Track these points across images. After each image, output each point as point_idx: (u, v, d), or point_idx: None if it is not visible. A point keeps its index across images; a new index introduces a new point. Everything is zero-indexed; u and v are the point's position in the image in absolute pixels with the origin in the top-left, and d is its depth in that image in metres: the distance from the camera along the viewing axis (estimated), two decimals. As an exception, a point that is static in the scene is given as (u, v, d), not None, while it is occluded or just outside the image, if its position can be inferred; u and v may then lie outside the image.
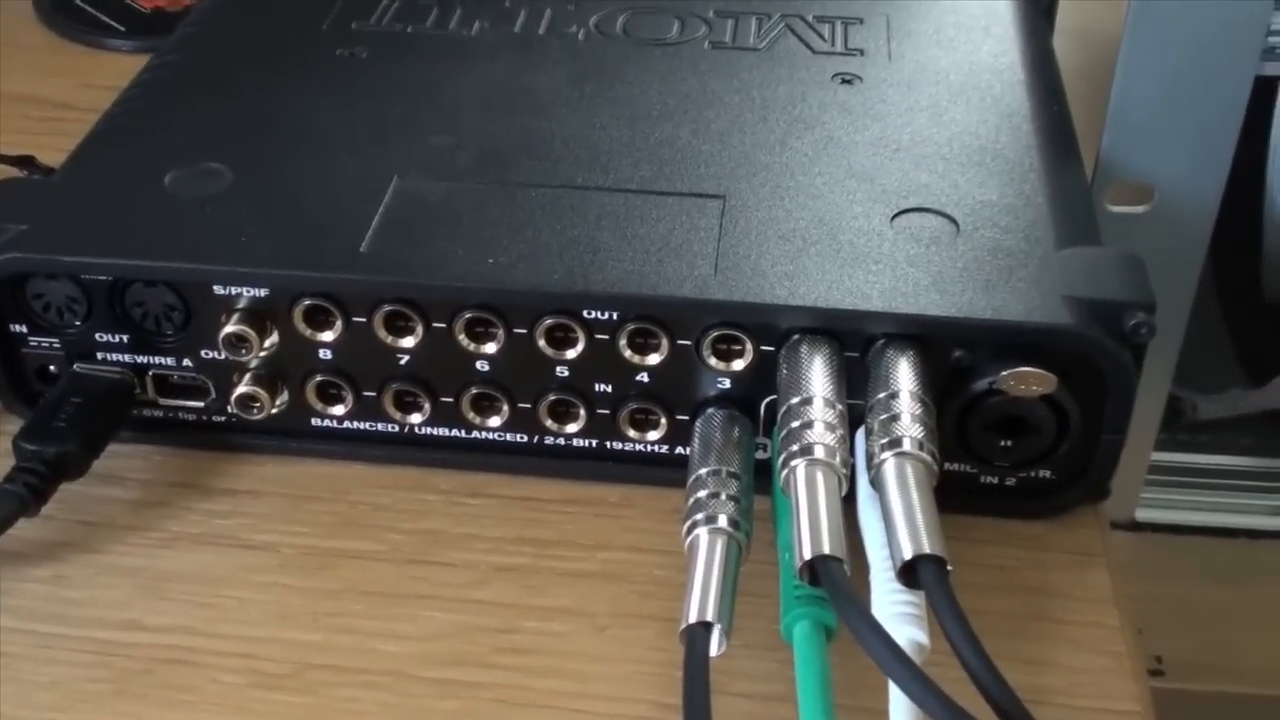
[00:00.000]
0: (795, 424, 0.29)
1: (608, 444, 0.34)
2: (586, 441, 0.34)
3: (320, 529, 0.33)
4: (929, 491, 0.28)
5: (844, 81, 0.39)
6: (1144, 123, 0.38)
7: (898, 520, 0.27)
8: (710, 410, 0.32)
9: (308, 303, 0.32)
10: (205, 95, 0.39)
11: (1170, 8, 0.35)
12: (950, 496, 0.30)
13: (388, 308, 0.32)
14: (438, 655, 0.30)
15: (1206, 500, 0.45)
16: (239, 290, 0.32)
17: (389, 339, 0.32)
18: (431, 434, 0.34)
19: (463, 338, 0.32)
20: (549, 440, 0.34)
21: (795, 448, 0.29)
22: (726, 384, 0.32)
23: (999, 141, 0.36)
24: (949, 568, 0.27)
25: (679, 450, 0.33)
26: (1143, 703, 0.29)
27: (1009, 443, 0.32)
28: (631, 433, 0.33)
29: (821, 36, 0.42)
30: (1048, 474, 0.33)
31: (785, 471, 0.29)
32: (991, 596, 0.31)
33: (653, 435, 0.33)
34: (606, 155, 0.36)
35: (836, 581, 0.26)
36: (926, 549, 0.26)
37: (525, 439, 0.34)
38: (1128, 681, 0.30)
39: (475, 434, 0.34)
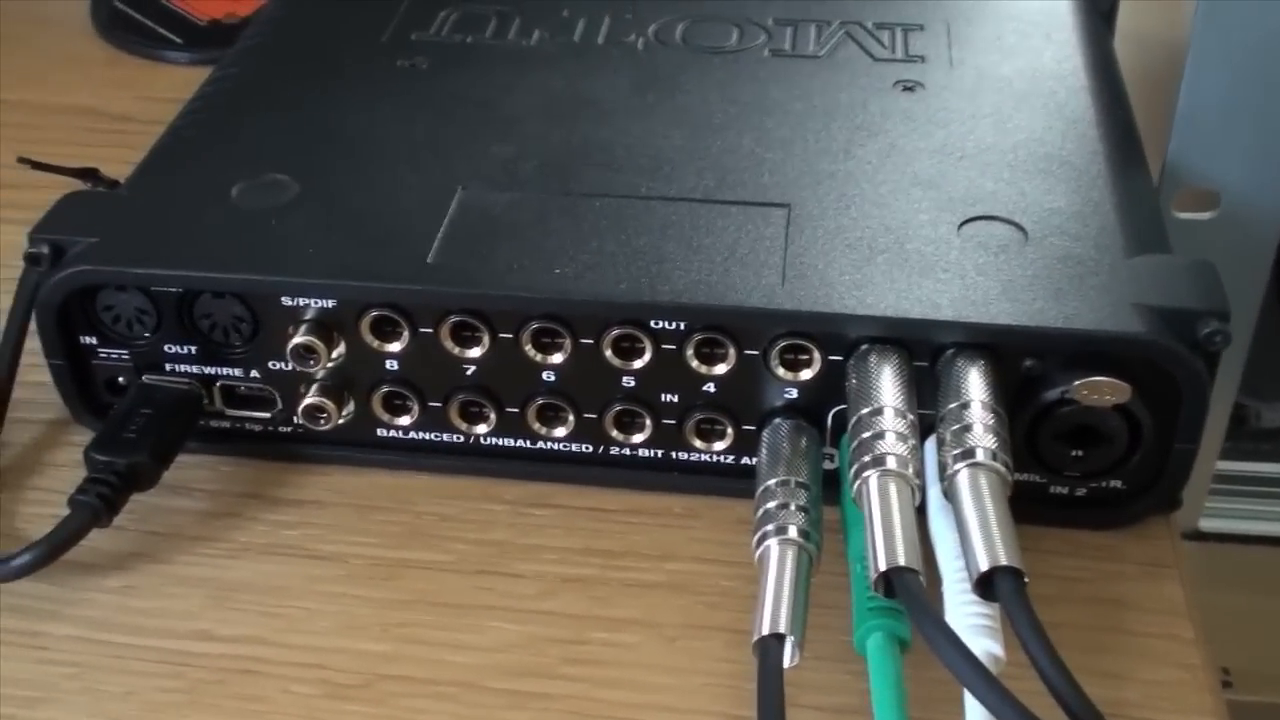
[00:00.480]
0: (866, 434, 0.29)
1: (673, 454, 0.34)
2: (652, 452, 0.34)
3: (387, 539, 0.33)
4: (1004, 502, 0.28)
5: (906, 89, 0.39)
6: (1211, 128, 0.37)
7: (973, 532, 0.27)
8: (777, 420, 0.32)
9: (375, 314, 0.32)
10: (268, 107, 0.39)
11: (1237, 9, 0.35)
12: (1019, 506, 0.30)
13: (454, 318, 0.32)
14: (507, 666, 0.30)
15: (1272, 509, 0.45)
16: (307, 301, 0.32)
17: (456, 350, 0.32)
18: (497, 444, 0.34)
19: (529, 348, 0.32)
20: (614, 450, 0.34)
21: (867, 458, 0.28)
22: (794, 394, 0.32)
23: (1064, 148, 0.36)
24: (1025, 580, 0.26)
25: (745, 460, 0.33)
26: (1219, 716, 0.29)
27: (1080, 453, 0.32)
28: (697, 443, 0.33)
29: (881, 43, 0.41)
30: (1119, 484, 0.32)
31: (858, 483, 0.28)
32: (1063, 608, 0.31)
33: (719, 445, 0.33)
34: (669, 164, 0.36)
35: (913, 593, 0.26)
36: (1004, 560, 0.26)
37: (590, 449, 0.34)
38: (1203, 695, 0.29)
39: (540, 444, 0.34)
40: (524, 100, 0.39)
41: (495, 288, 0.32)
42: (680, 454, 0.34)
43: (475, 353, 0.32)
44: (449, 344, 0.32)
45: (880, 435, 0.29)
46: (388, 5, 0.44)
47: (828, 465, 0.33)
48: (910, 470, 0.28)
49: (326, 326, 0.32)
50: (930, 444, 0.30)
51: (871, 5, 0.43)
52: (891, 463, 0.28)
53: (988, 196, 0.34)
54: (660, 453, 0.34)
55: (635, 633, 0.31)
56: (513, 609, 0.31)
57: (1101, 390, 0.30)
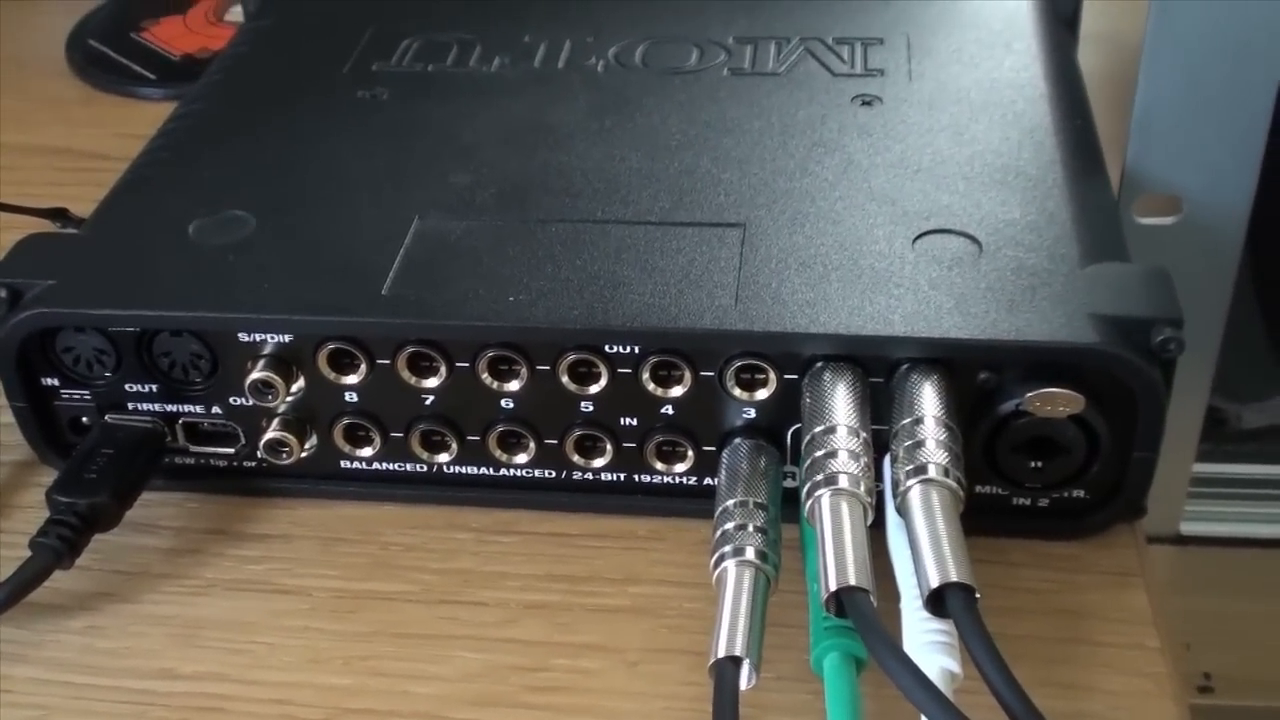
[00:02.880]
0: (819, 453, 0.29)
1: (635, 477, 0.34)
2: (614, 475, 0.34)
3: (351, 571, 0.33)
4: (955, 519, 0.28)
5: (864, 103, 0.39)
6: (1169, 132, 0.37)
7: (924, 549, 0.27)
8: (737, 440, 0.32)
9: (331, 347, 0.32)
10: (227, 142, 0.39)
11: (1191, 10, 0.35)
12: (983, 519, 0.30)
13: (410, 349, 0.32)
14: (470, 696, 0.30)
15: (1253, 511, 0.44)
16: (263, 337, 0.32)
17: (413, 380, 0.32)
18: (459, 472, 0.34)
19: (486, 376, 0.32)
20: (576, 475, 0.34)
21: (819, 477, 0.28)
22: (752, 414, 0.32)
23: (1021, 158, 0.36)
24: (977, 595, 0.26)
25: (707, 481, 0.33)
26: (1185, 725, 0.29)
27: (1039, 464, 0.32)
28: (658, 465, 0.33)
29: (841, 58, 0.41)
30: (1081, 494, 0.32)
31: (810, 502, 0.28)
32: (1027, 620, 0.31)
33: (680, 467, 0.33)
34: (626, 187, 0.36)
35: (862, 612, 0.26)
36: (953, 577, 0.26)
37: (553, 475, 0.34)
38: (1168, 703, 0.29)
39: (503, 471, 0.34)
40: (483, 128, 0.39)
41: (449, 318, 0.32)
42: (642, 476, 0.34)
43: (433, 383, 0.32)
44: (406, 375, 0.32)
45: (833, 454, 0.29)
46: (350, 36, 0.44)
47: (789, 484, 0.33)
48: (862, 488, 0.28)
49: (284, 361, 0.33)
50: (888, 461, 0.30)
51: (833, 21, 0.43)
52: (843, 481, 0.28)
53: (943, 210, 0.34)
54: (622, 476, 0.34)
55: (597, 658, 0.31)
56: (475, 637, 0.31)
57: (1055, 402, 0.30)
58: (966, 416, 0.31)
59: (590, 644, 0.31)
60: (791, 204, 0.35)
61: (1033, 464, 0.32)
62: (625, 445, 0.33)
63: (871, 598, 0.26)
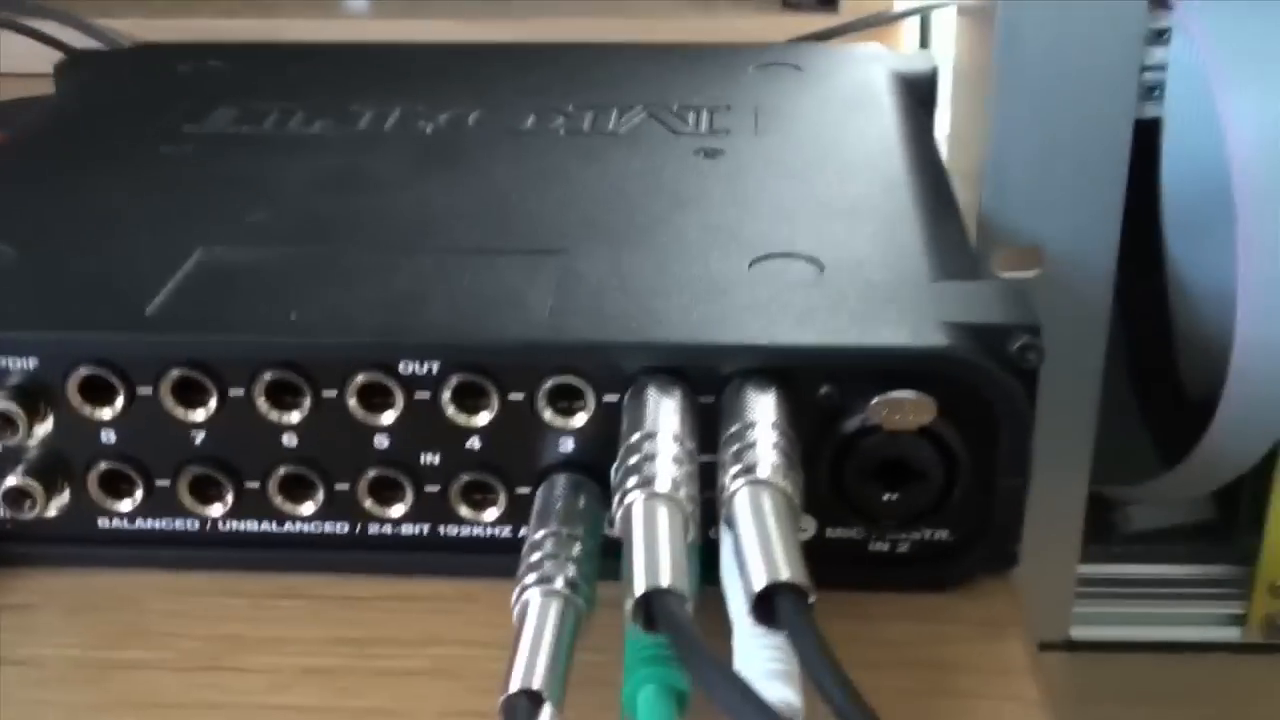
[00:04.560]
0: (634, 459, 0.25)
1: (440, 529, 0.29)
2: (416, 528, 0.29)
3: (97, 639, 0.28)
4: (788, 522, 0.24)
5: (707, 155, 0.36)
6: (1024, 178, 0.35)
7: (750, 552, 0.23)
8: (553, 477, 0.28)
9: (84, 373, 0.28)
10: (13, 182, 0.35)
11: (1039, 40, 0.33)
12: (837, 569, 0.26)
13: (176, 373, 0.28)
14: (220, 768, 0.25)
15: (1146, 613, 0.41)
16: (4, 361, 0.28)
17: (180, 412, 0.28)
18: (235, 530, 0.29)
19: (264, 405, 0.28)
20: (373, 529, 0.29)
21: (632, 482, 0.24)
22: (570, 446, 0.28)
23: (870, 198, 0.34)
24: (810, 600, 0.22)
25: (522, 533, 0.29)
26: (1068, 778, 0.24)
27: (893, 496, 0.28)
28: (465, 511, 0.29)
29: (685, 121, 0.39)
30: (944, 535, 0.29)
31: (620, 510, 0.24)
32: (888, 674, 0.27)
33: (490, 515, 0.29)
34: (439, 223, 0.33)
35: (676, 619, 0.22)
36: (784, 576, 0.22)
37: (345, 529, 0.29)
38: (1050, 757, 0.25)
39: (287, 525, 0.29)
40: (292, 176, 0.36)
41: (220, 334, 0.28)
42: (448, 529, 0.29)
43: (202, 415, 0.28)
44: (171, 405, 0.28)
45: (650, 458, 0.25)
46: (162, 103, 0.41)
47: (613, 532, 0.28)
48: (683, 494, 0.24)
49: (30, 393, 0.28)
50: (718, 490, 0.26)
51: (680, 92, 0.41)
52: (661, 485, 0.24)
53: (782, 240, 0.31)
54: (425, 528, 0.29)
55: (380, 723, 0.26)
56: (236, 705, 0.26)
57: (904, 409, 0.26)
58: (809, 440, 0.27)
59: (374, 708, 0.26)
60: (617, 235, 0.32)
61: (887, 496, 0.28)
62: (427, 489, 0.29)
63: (689, 606, 0.22)
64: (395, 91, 0.41)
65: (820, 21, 0.56)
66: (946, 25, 0.54)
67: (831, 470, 0.27)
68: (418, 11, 0.62)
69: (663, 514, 0.24)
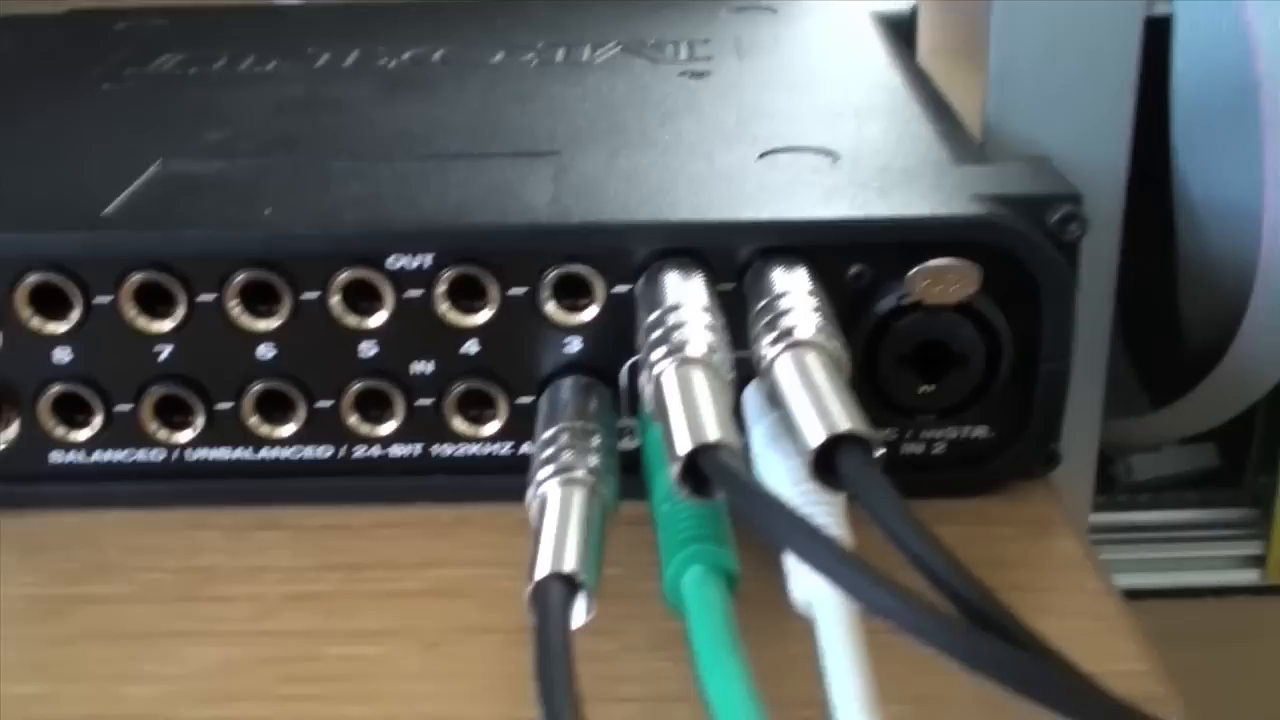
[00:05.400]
0: (658, 333, 0.22)
1: (432, 450, 0.27)
2: (406, 449, 0.27)
3: (54, 577, 0.25)
4: (840, 379, 0.21)
5: (693, 76, 0.34)
6: (1028, 82, 0.33)
7: (800, 411, 0.20)
8: (558, 381, 0.26)
9: (34, 279, 0.25)
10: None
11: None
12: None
13: (138, 277, 0.25)
14: (204, 693, 0.22)
15: (1164, 558, 0.39)
16: (-57, 271, 0.25)
17: (143, 323, 0.25)
18: (206, 459, 0.27)
19: (237, 310, 0.25)
20: (359, 452, 0.27)
21: (659, 353, 0.22)
22: (575, 345, 0.26)
23: (872, 101, 0.32)
24: (877, 452, 0.20)
25: (524, 450, 0.27)
26: (1149, 660, 0.22)
27: (929, 387, 0.26)
28: (461, 426, 0.26)
29: (663, 53, 0.37)
30: (982, 431, 0.26)
31: (650, 388, 0.22)
32: (937, 574, 0.24)
33: (489, 429, 0.26)
34: (416, 134, 0.30)
35: (732, 473, 0.19)
36: (844, 427, 0.20)
37: (328, 453, 0.27)
38: (1124, 641, 0.23)
39: (263, 452, 0.27)
40: (251, 103, 0.33)
41: (186, 229, 0.25)
42: (441, 448, 0.27)
43: (168, 325, 0.25)
44: (133, 315, 0.25)
45: (677, 327, 0.22)
46: (100, 55, 0.38)
47: (628, 444, 0.26)
48: (717, 359, 0.22)
49: (-27, 308, 0.25)
50: (750, 389, 0.24)
51: (655, 31, 0.39)
52: (694, 350, 0.22)
53: (790, 136, 0.29)
54: (417, 449, 0.27)
55: (382, 643, 0.23)
56: (217, 633, 0.23)
57: (946, 278, 0.24)
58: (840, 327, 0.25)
59: (372, 629, 0.23)
60: (613, 138, 0.29)
61: (923, 388, 0.26)
62: (419, 403, 0.26)
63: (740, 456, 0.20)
64: (351, 38, 0.39)
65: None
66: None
67: (864, 361, 0.25)
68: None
69: (699, 377, 0.21)
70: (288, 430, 0.26)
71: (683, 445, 0.20)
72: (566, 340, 0.26)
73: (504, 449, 0.27)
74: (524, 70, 0.36)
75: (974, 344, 0.25)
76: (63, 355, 0.26)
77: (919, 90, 0.33)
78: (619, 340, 0.25)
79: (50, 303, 0.25)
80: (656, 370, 0.22)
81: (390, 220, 0.25)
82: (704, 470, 0.19)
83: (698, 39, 0.38)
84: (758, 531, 0.19)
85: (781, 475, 0.22)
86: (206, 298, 0.25)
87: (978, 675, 0.17)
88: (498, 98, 0.33)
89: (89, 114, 0.33)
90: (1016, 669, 0.17)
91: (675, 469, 0.20)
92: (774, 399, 0.22)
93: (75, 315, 0.25)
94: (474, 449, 0.27)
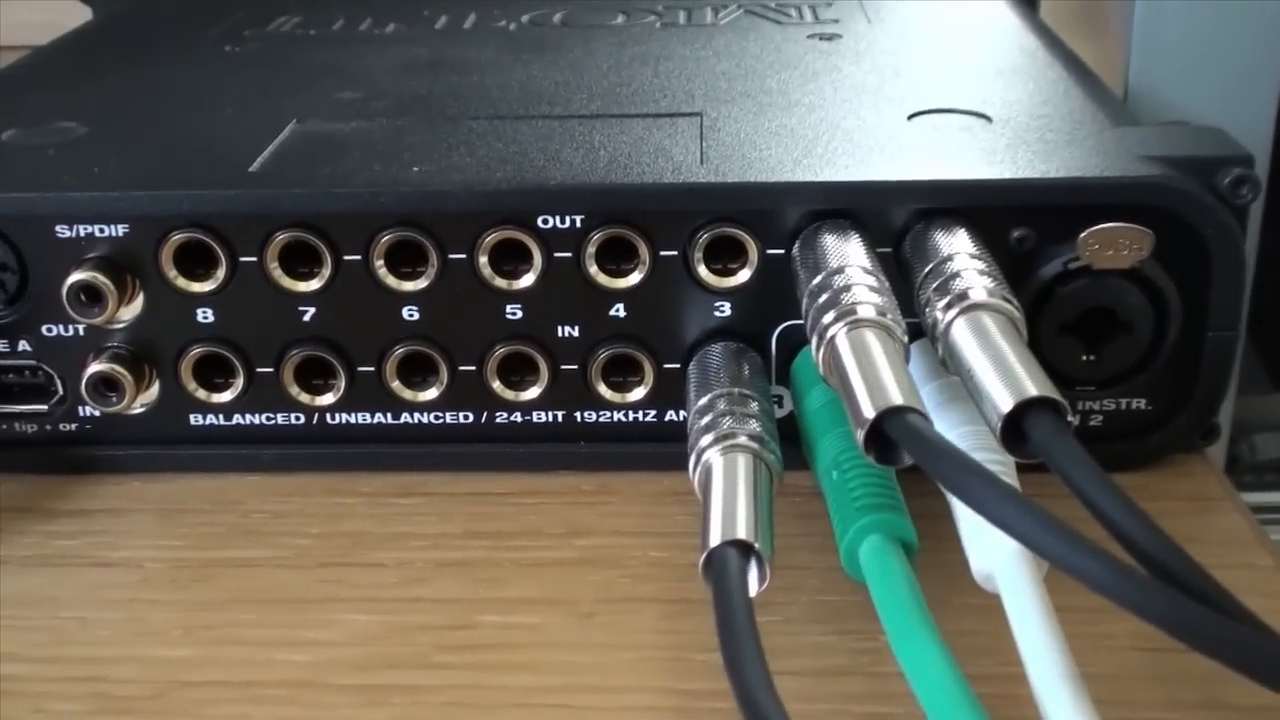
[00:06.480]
0: (824, 297, 0.22)
1: (577, 415, 0.26)
2: (549, 414, 0.26)
3: (199, 541, 0.25)
4: (1021, 341, 0.21)
5: (823, 39, 0.34)
6: (1173, 46, 0.32)
7: (984, 378, 0.20)
8: (707, 346, 0.25)
9: (179, 238, 0.25)
10: (66, 78, 0.32)
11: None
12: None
13: (284, 236, 0.25)
14: (360, 660, 0.21)
15: None
16: (88, 229, 0.25)
17: (288, 283, 0.25)
18: (347, 422, 0.26)
19: (383, 270, 0.25)
20: (500, 418, 0.26)
21: (829, 317, 0.21)
22: (726, 309, 0.25)
23: (1015, 64, 0.31)
24: (1069, 416, 0.19)
25: (670, 417, 0.26)
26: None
27: (1093, 356, 0.25)
28: (607, 393, 0.26)
29: (787, 15, 0.36)
30: (1142, 403, 0.25)
31: (822, 351, 0.21)
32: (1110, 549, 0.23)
33: (635, 395, 0.26)
34: (553, 95, 0.30)
35: (923, 435, 0.18)
36: (1033, 392, 0.19)
37: (470, 418, 0.26)
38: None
39: (405, 416, 0.26)
40: (376, 64, 0.33)
41: (336, 187, 0.25)
42: (585, 414, 0.26)
43: (314, 285, 0.25)
44: (279, 275, 0.25)
45: (845, 289, 0.22)
46: (215, 16, 0.38)
47: (779, 412, 0.25)
48: (889, 320, 0.21)
49: (116, 266, 0.25)
50: (916, 347, 0.23)
51: (772, -5, 0.39)
52: (865, 311, 0.21)
53: (938, 98, 0.28)
54: (560, 414, 0.26)
55: (538, 612, 0.22)
56: (370, 599, 0.23)
57: (1117, 241, 0.23)
58: (1000, 293, 0.24)
59: (527, 598, 0.23)
60: (754, 100, 0.29)
61: (1085, 356, 0.25)
62: (564, 367, 0.26)
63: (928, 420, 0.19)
64: (465, 1, 0.38)
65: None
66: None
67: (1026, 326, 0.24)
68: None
69: (874, 340, 0.21)
70: (430, 394, 0.26)
71: (868, 409, 0.19)
72: (718, 304, 0.25)
73: (649, 415, 0.26)
74: (648, 32, 0.35)
75: (1141, 311, 0.24)
76: (205, 315, 0.25)
77: (1057, 52, 0.32)
78: (771, 305, 0.25)
79: (193, 262, 0.25)
80: (830, 334, 0.21)
81: (542, 178, 0.25)
82: (889, 434, 0.19)
83: (820, 2, 0.37)
84: (952, 493, 0.18)
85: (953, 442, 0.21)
86: (352, 258, 0.25)
87: (1181, 640, 0.16)
88: (626, 58, 0.32)
89: (214, 75, 0.32)
90: (1223, 637, 0.16)
91: (860, 434, 0.19)
92: (944, 364, 0.21)
93: (220, 274, 0.25)
94: (618, 415, 0.26)
